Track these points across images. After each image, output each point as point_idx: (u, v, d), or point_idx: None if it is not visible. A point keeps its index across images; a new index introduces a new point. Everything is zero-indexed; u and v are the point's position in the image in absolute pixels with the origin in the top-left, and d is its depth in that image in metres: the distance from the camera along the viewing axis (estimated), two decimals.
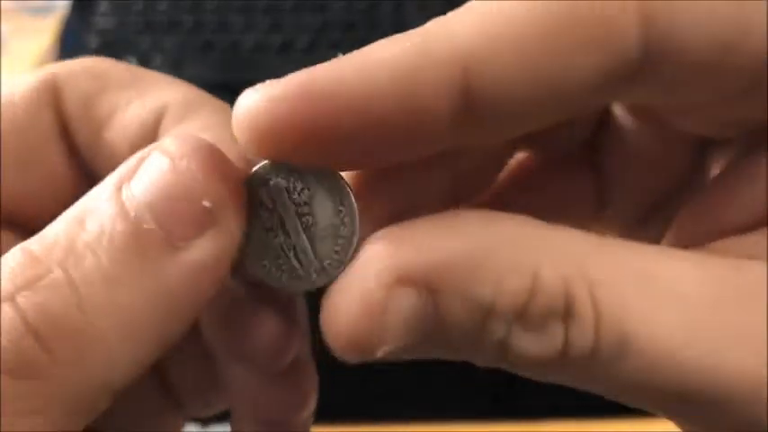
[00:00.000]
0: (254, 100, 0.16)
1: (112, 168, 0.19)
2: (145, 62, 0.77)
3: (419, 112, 0.16)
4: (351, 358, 0.17)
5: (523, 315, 0.16)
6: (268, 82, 0.16)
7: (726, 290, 0.16)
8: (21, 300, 0.15)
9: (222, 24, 0.81)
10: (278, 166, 0.18)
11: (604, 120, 0.22)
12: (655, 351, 0.16)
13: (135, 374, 0.16)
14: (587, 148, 0.23)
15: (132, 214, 0.16)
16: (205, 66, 0.77)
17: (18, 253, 0.16)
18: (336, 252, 0.18)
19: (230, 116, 0.18)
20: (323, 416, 0.24)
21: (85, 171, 0.21)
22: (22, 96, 0.20)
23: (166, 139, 0.17)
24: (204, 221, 0.16)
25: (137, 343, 0.16)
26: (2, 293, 0.15)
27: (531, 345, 0.16)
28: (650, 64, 0.16)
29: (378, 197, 0.19)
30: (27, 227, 0.20)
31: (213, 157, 0.16)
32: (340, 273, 0.17)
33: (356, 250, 0.17)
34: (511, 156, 0.23)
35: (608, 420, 0.51)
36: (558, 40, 0.15)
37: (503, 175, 0.24)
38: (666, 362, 0.16)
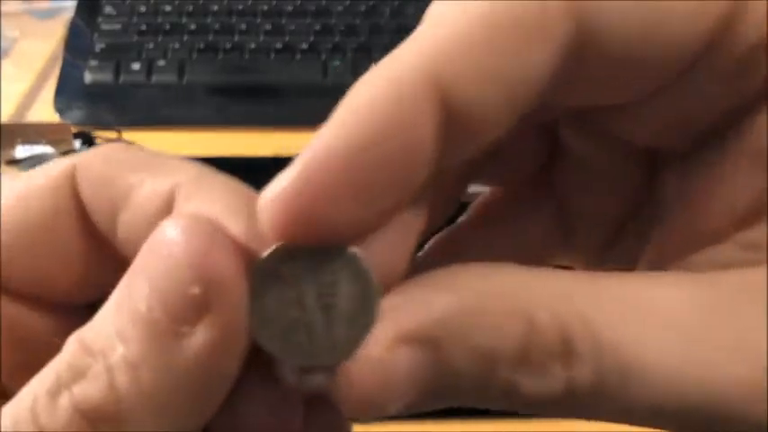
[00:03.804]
0: (272, 197, 0.17)
1: (132, 247, 0.20)
2: (149, 65, 0.78)
3: (404, 132, 0.16)
4: (363, 419, 0.18)
5: (525, 358, 0.17)
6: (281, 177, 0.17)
7: (708, 305, 0.17)
8: (75, 390, 0.17)
9: (225, 27, 0.81)
10: (298, 246, 0.18)
11: (556, 146, 0.23)
12: (655, 375, 0.16)
13: None
14: (544, 176, 0.23)
15: (145, 304, 0.17)
16: (208, 68, 0.78)
17: (73, 342, 0.17)
18: (351, 338, 0.18)
19: (241, 189, 0.19)
20: None
21: (108, 250, 0.22)
22: (43, 185, 0.21)
23: (167, 220, 0.17)
24: (199, 308, 0.16)
25: (169, 420, 0.17)
26: (62, 380, 0.17)
27: (537, 386, 0.17)
28: (585, 57, 0.17)
29: (380, 256, 0.19)
30: (61, 301, 0.22)
31: (201, 237, 0.17)
32: (351, 354, 0.17)
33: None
34: (465, 188, 0.24)
35: None
36: (502, 40, 0.16)
37: (470, 210, 0.24)
38: (668, 384, 0.16)
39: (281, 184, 0.17)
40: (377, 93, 0.17)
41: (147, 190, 0.20)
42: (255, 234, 0.18)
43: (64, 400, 0.17)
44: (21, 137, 0.72)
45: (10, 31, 0.84)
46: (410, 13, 0.82)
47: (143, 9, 0.83)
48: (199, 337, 0.16)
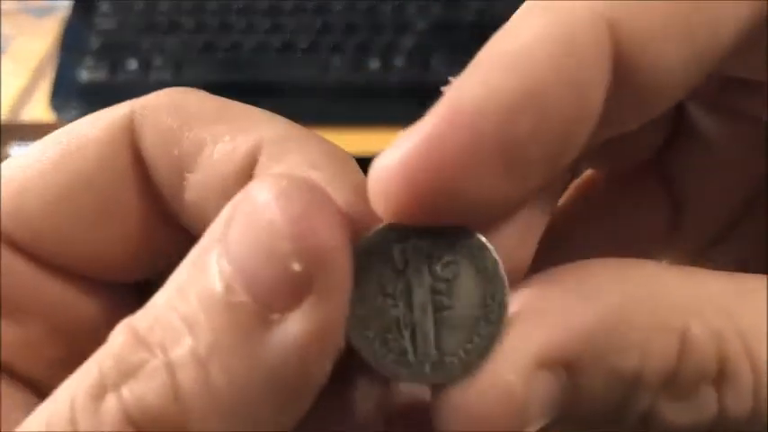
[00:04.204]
0: (404, 152, 0.13)
1: (201, 214, 0.17)
2: (146, 63, 0.77)
3: (578, 87, 0.13)
4: None
5: (672, 381, 0.14)
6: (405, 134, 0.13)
7: None
8: (125, 391, 0.13)
9: (223, 25, 0.80)
10: (414, 226, 0.14)
11: (677, 127, 0.20)
12: None
13: None
14: (659, 160, 0.21)
15: (223, 284, 0.13)
16: (206, 67, 0.77)
17: (123, 332, 0.14)
18: (466, 351, 0.14)
19: (336, 152, 0.16)
20: None
21: (169, 217, 0.18)
22: (95, 138, 0.18)
23: (256, 180, 0.14)
24: (298, 289, 0.13)
25: (242, 430, 0.13)
26: (108, 380, 0.14)
27: (681, 414, 0.14)
28: None
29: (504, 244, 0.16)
30: (111, 281, 0.19)
31: (302, 201, 0.13)
32: (462, 376, 0.14)
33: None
34: (575, 173, 0.21)
35: None
36: None
37: (569, 194, 0.21)
38: None
39: (403, 146, 0.13)
40: (542, 32, 0.13)
41: (223, 147, 0.17)
42: (360, 208, 0.15)
43: (110, 404, 0.13)
44: (16, 136, 0.71)
45: (6, 29, 0.83)
46: (411, 11, 0.81)
47: (140, 7, 0.83)
48: (293, 327, 0.13)
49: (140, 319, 0.14)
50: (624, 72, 0.14)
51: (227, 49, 0.78)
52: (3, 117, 0.75)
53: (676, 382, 0.14)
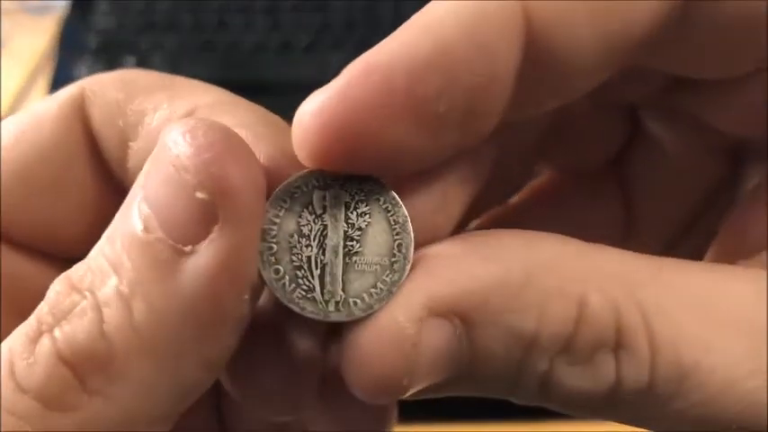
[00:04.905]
0: (323, 100, 0.14)
1: None
2: (144, 62, 0.77)
3: (486, 51, 0.14)
4: (377, 399, 0.15)
5: (569, 347, 0.15)
6: (330, 85, 0.14)
7: None
8: (57, 332, 0.14)
9: (222, 24, 0.80)
10: (332, 174, 0.15)
11: (634, 133, 0.21)
12: (716, 383, 0.14)
13: (179, 400, 0.14)
14: (615, 164, 0.21)
15: (141, 225, 0.14)
16: (205, 66, 0.77)
17: (59, 281, 0.15)
18: (369, 295, 0.15)
19: (267, 115, 0.17)
20: None
21: (120, 188, 0.19)
22: (48, 115, 0.18)
23: (169, 124, 0.15)
24: (204, 218, 0.13)
25: (167, 365, 0.14)
26: (43, 326, 0.14)
27: (578, 380, 0.15)
28: (696, 15, 0.15)
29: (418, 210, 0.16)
30: (66, 253, 0.19)
31: (209, 138, 0.14)
32: (362, 317, 0.15)
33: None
34: (532, 172, 0.21)
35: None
36: None
37: (524, 192, 0.22)
38: (728, 394, 0.14)
39: (322, 94, 0.14)
40: (456, 5, 0.14)
41: (161, 115, 0.17)
42: (283, 163, 0.15)
43: (44, 345, 0.14)
44: None
45: (4, 28, 0.83)
46: (410, 9, 0.81)
47: (138, 5, 0.82)
48: (203, 257, 0.14)
49: (75, 270, 0.15)
50: (536, 50, 0.14)
51: (226, 47, 0.78)
52: (1, 115, 0.74)
53: (573, 347, 0.15)
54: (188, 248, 0.14)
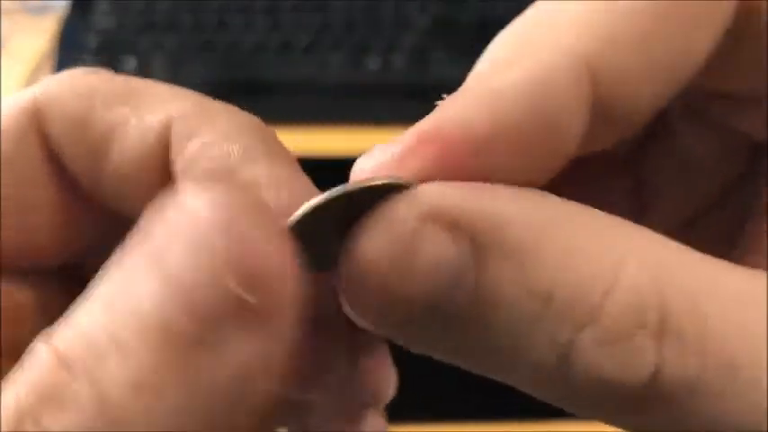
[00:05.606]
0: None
1: (121, 197, 0.17)
2: (144, 62, 0.77)
3: (553, 128, 0.14)
4: (369, 305, 0.14)
5: (596, 319, 0.13)
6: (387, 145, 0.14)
7: None
8: (47, 420, 0.12)
9: (222, 24, 0.80)
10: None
11: (655, 125, 0.20)
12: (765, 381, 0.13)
13: None
14: (632, 151, 0.21)
15: (156, 302, 0.12)
16: (205, 66, 0.77)
17: (43, 351, 0.12)
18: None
19: (251, 120, 0.16)
20: None
21: (88, 200, 0.18)
22: (3, 129, 0.17)
23: (179, 186, 0.13)
24: (238, 308, 0.12)
25: None
26: (27, 408, 0.12)
27: (607, 364, 0.13)
28: (744, 36, 0.15)
29: None
30: (36, 268, 0.18)
31: (238, 213, 0.12)
32: (379, 184, 0.14)
33: None
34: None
35: None
36: (670, 19, 0.14)
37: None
38: None
39: (377, 156, 0.14)
40: (524, 75, 0.14)
41: (134, 128, 0.16)
42: (278, 177, 0.15)
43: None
44: None
45: (4, 28, 0.83)
46: (411, 10, 0.81)
47: (138, 5, 0.82)
48: (236, 349, 0.12)
49: (62, 334, 0.12)
50: (601, 108, 0.14)
51: (226, 47, 0.78)
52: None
53: (602, 321, 0.13)
54: (214, 339, 0.12)
